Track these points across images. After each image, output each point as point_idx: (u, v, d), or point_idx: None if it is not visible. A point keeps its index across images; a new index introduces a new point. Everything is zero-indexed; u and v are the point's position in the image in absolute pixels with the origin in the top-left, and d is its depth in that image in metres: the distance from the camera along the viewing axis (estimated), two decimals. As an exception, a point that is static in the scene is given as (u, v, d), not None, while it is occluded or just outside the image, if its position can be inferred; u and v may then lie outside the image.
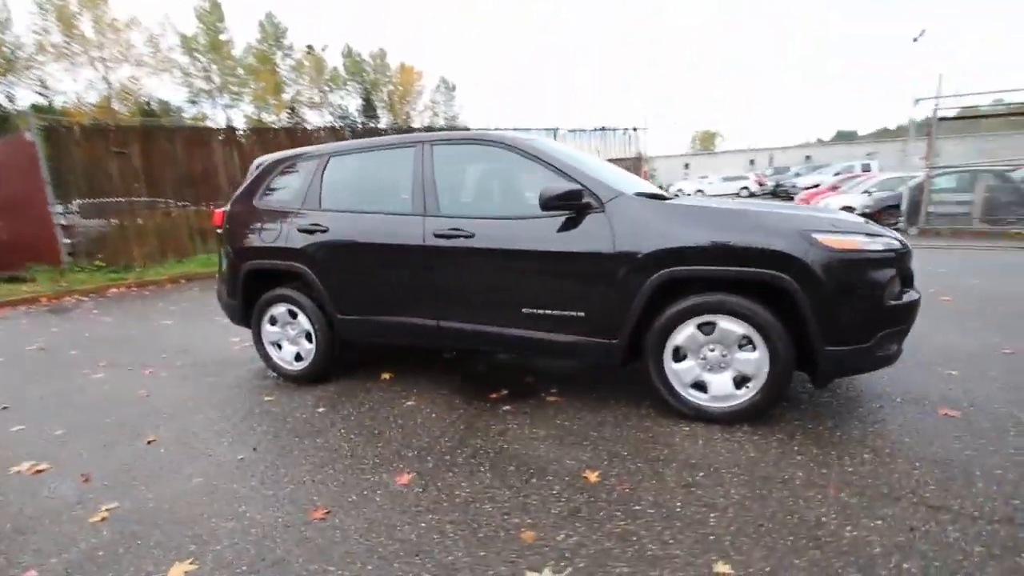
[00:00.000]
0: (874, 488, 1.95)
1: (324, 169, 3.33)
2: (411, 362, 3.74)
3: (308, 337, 3.38)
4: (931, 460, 2.12)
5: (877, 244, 2.35)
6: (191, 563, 1.75)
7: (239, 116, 43.23)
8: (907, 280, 2.48)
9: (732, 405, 2.50)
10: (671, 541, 1.73)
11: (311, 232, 3.23)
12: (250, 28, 66.87)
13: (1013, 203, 10.33)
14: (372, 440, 2.60)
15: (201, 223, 9.79)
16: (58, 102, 32.37)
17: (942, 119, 10.54)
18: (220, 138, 9.99)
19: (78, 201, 8.82)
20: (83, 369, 4.02)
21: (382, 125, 42.92)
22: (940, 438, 2.29)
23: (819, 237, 2.29)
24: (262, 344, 3.55)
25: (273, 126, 12.43)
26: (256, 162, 3.69)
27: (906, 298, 2.41)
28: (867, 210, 11.93)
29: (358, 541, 1.82)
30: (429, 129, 12.82)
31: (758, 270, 2.32)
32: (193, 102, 41.68)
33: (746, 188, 28.10)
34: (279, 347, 3.52)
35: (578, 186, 2.57)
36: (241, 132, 10.57)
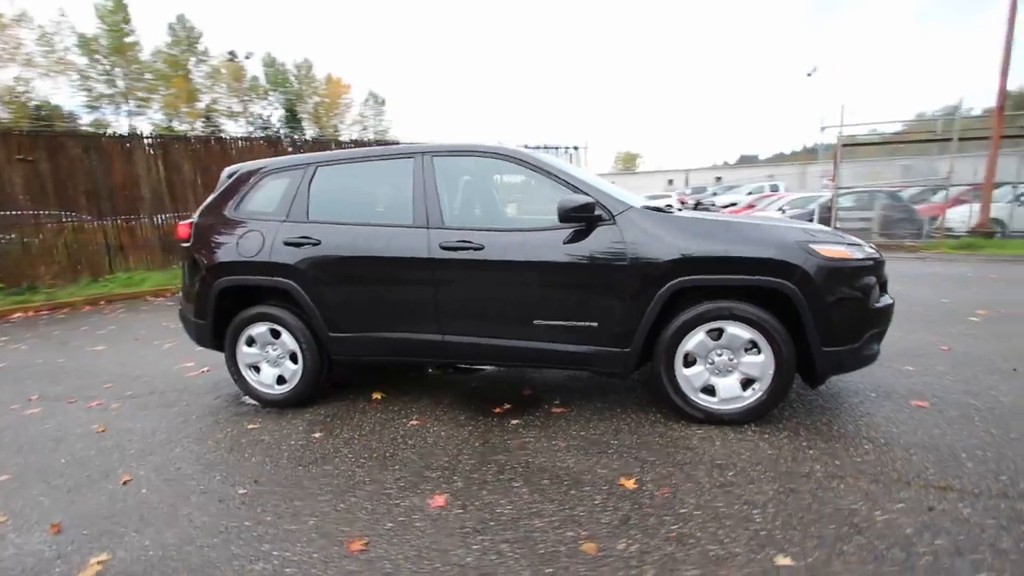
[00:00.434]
0: (886, 475, 2.13)
1: (311, 179, 3.16)
2: (399, 380, 3.60)
3: (293, 358, 3.16)
4: (921, 446, 2.35)
5: (860, 253, 2.60)
6: (228, 612, 1.56)
7: (147, 124, 39.87)
8: (883, 286, 2.76)
9: (740, 407, 2.63)
10: (727, 540, 1.79)
11: (299, 245, 3.04)
12: (160, 30, 62.02)
13: (904, 219, 11.81)
14: (387, 463, 2.46)
15: (120, 239, 8.89)
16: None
17: (845, 145, 11.89)
18: (147, 143, 9.15)
19: (-32, 214, 7.71)
20: (11, 404, 3.49)
21: (307, 137, 41.27)
22: (921, 426, 2.55)
23: (815, 247, 2.50)
24: (237, 368, 3.26)
25: (202, 134, 11.52)
26: (228, 171, 3.43)
27: (884, 302, 2.68)
28: (785, 226, 13.04)
29: (412, 571, 1.71)
30: (357, 143, 12.53)
31: (765, 278, 2.49)
32: (93, 107, 37.91)
33: (670, 206, 29.82)
34: (257, 370, 3.25)
35: (592, 199, 2.62)
36: (152, 139, 9.68)
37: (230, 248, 3.17)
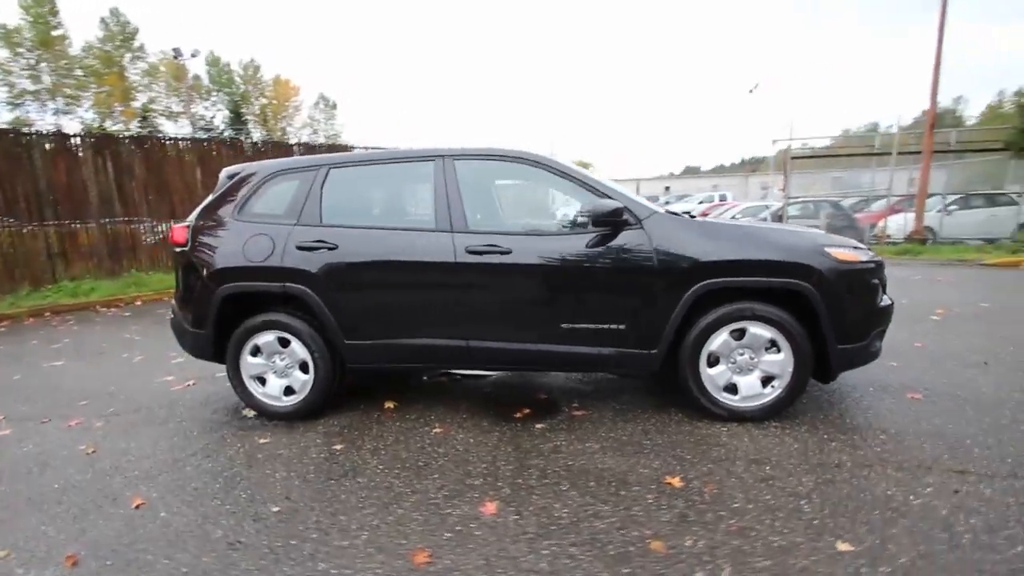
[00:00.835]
0: (908, 462, 2.28)
1: (324, 181, 3.04)
2: (405, 388, 3.51)
3: (303, 368, 3.02)
4: (930, 434, 2.53)
5: (865, 256, 2.78)
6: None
7: (77, 123, 37.06)
8: (883, 287, 2.95)
9: (761, 403, 2.74)
10: (786, 530, 1.86)
11: (313, 250, 2.92)
12: (91, 25, 57.89)
13: (846, 227, 12.68)
14: (422, 473, 2.40)
15: (63, 245, 8.20)
16: None
17: (794, 157, 12.68)
18: (92, 144, 8.51)
19: None
20: (-26, 428, 3.13)
21: (254, 139, 39.62)
22: (922, 417, 2.74)
23: (829, 250, 2.65)
24: (241, 380, 3.08)
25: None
26: (228, 171, 3.24)
27: (886, 302, 2.87)
28: (741, 233, 13.73)
29: (487, 579, 1.68)
30: (308, 146, 12.26)
31: (786, 280, 2.61)
32: (15, 104, 34.86)
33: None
34: (263, 382, 3.09)
35: (621, 204, 2.67)
36: (86, 136, 9.04)
37: (235, 253, 3.00)
